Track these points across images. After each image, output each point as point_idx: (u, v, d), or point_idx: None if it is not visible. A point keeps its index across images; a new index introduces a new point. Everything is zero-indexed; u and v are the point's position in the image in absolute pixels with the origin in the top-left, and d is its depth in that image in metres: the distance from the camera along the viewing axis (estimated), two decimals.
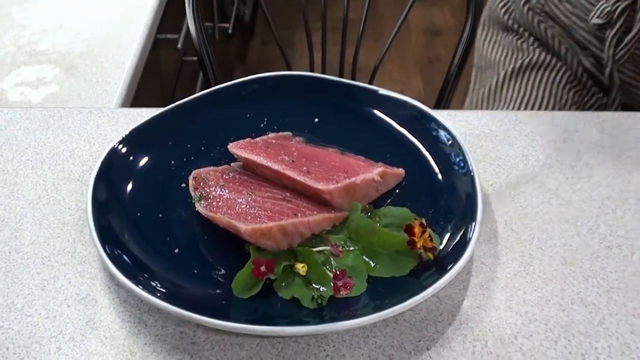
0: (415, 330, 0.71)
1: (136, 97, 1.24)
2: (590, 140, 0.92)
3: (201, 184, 0.80)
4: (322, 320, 0.68)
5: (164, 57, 1.55)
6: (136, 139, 0.85)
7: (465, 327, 0.71)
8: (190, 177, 0.81)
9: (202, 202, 0.77)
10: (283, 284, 0.72)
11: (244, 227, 0.72)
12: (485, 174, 0.87)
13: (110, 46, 1.25)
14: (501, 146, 0.91)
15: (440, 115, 0.88)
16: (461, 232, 0.75)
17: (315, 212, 0.77)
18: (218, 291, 0.72)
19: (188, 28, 1.21)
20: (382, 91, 0.92)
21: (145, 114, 0.91)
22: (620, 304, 0.73)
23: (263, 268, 0.71)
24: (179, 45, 1.57)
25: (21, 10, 1.38)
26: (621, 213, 0.82)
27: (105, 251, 0.72)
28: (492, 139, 0.92)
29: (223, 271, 0.74)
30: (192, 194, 0.78)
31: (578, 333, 0.70)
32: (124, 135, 0.84)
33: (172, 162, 0.85)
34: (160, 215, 0.80)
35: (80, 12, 1.37)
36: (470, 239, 0.73)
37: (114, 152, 0.83)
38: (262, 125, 0.90)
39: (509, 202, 0.84)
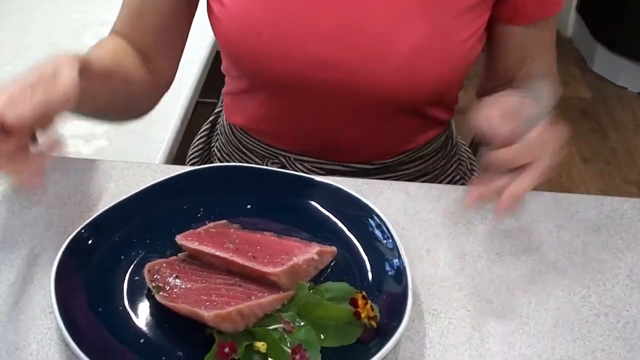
0: None
1: (177, 156, 1.34)
2: (588, 220, 1.04)
3: (155, 276, 0.86)
4: None
5: (203, 120, 1.60)
6: (85, 237, 0.91)
7: None
8: (145, 271, 0.87)
9: (160, 292, 0.84)
10: None
11: (206, 314, 0.79)
12: (492, 244, 0.99)
13: (157, 108, 1.29)
14: (508, 220, 1.02)
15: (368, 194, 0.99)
16: (396, 299, 0.85)
17: (266, 294, 0.84)
18: None
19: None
20: (308, 178, 1.02)
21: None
22: None
23: (227, 349, 0.78)
24: (215, 110, 1.62)
25: None
26: (610, 286, 0.94)
27: (78, 346, 0.77)
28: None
29: (189, 355, 0.80)
30: (150, 286, 0.85)
31: None
32: (69, 241, 0.89)
33: (122, 256, 0.91)
34: (121, 308, 0.85)
35: None
36: (405, 306, 0.83)
37: (67, 253, 0.88)
38: (199, 215, 0.97)
39: (512, 269, 0.95)
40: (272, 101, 1.17)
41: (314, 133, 1.18)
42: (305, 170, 1.21)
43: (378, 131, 1.16)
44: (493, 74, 1.20)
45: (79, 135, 1.33)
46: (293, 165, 1.21)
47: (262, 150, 1.23)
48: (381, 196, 1.06)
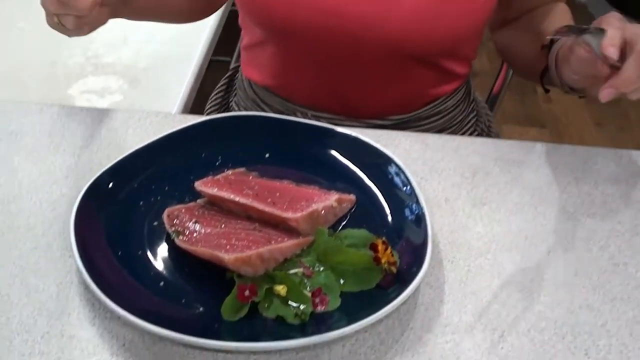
0: (441, 318, 0.82)
1: (191, 113, 1.34)
2: (607, 172, 1.04)
3: (174, 220, 0.86)
4: (305, 334, 0.76)
5: (216, 78, 1.60)
6: (105, 182, 0.91)
7: (486, 319, 0.82)
8: (165, 215, 0.87)
9: (180, 237, 0.84)
10: (266, 305, 0.79)
11: (227, 257, 0.79)
12: (511, 195, 0.98)
13: (170, 63, 1.34)
14: (527, 172, 1.02)
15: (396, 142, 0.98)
16: (416, 246, 0.85)
17: (285, 239, 0.84)
18: (209, 316, 0.79)
19: (239, 52, 1.28)
20: (326, 127, 1.01)
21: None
22: (622, 311, 0.85)
23: (247, 292, 0.79)
24: (231, 67, 1.62)
25: None
26: (629, 237, 0.94)
27: (99, 287, 0.77)
28: (519, 165, 1.03)
29: (208, 298, 0.81)
30: (170, 231, 0.85)
31: (583, 332, 0.82)
32: (88, 185, 0.89)
33: (141, 202, 0.91)
34: (140, 252, 0.85)
35: (143, 29, 1.47)
36: (425, 252, 0.83)
37: (87, 198, 0.88)
38: (217, 163, 0.97)
39: (530, 219, 0.95)
40: (285, 53, 1.16)
41: (328, 86, 1.17)
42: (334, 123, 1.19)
43: (394, 83, 1.15)
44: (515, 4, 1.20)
45: (93, 90, 1.33)
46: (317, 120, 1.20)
47: (279, 105, 1.23)
48: (399, 147, 1.05)
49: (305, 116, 1.20)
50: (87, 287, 0.82)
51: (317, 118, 1.19)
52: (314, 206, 0.87)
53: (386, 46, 1.07)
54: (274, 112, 1.23)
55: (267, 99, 1.24)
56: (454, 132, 1.28)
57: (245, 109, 1.28)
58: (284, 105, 1.22)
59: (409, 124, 1.22)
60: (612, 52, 0.84)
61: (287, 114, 1.20)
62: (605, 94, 0.86)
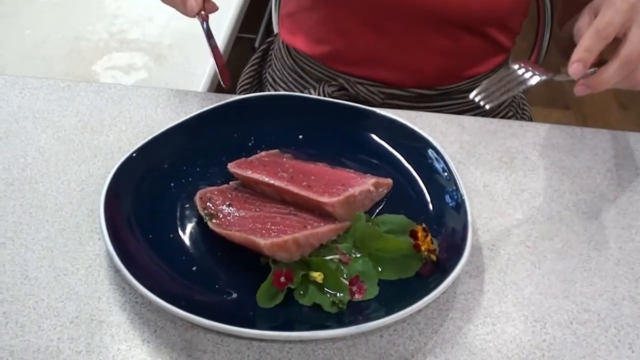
0: (481, 308, 0.80)
1: (217, 91, 1.31)
2: None
3: (207, 203, 0.84)
4: (342, 324, 0.74)
5: (242, 55, 1.60)
6: (134, 162, 0.88)
7: (527, 309, 0.80)
8: (197, 198, 0.85)
9: (213, 220, 0.81)
10: (301, 292, 0.77)
11: (263, 242, 0.76)
12: (551, 181, 0.96)
13: (196, 40, 1.33)
14: (567, 157, 1.00)
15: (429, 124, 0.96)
16: (456, 234, 0.82)
17: (321, 224, 0.82)
18: (243, 303, 0.76)
19: (265, 29, 1.26)
20: (362, 108, 0.98)
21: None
22: None
23: (283, 279, 0.76)
24: (256, 45, 1.61)
25: (113, 1, 1.48)
26: None
27: (129, 271, 0.75)
28: (558, 150, 1.00)
29: (242, 284, 0.78)
30: (202, 214, 0.82)
31: (627, 325, 0.79)
32: (119, 165, 0.87)
33: (172, 184, 0.89)
34: (172, 235, 0.83)
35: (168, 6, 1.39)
36: (465, 239, 0.80)
37: (117, 178, 0.85)
38: (249, 144, 0.95)
39: (571, 206, 0.92)
40: (335, 17, 1.14)
41: (376, 51, 1.15)
42: (364, 92, 1.18)
43: (442, 51, 1.13)
44: None
45: (118, 67, 1.31)
46: (353, 87, 1.18)
47: (320, 72, 1.21)
48: (436, 129, 1.03)
49: (348, 82, 1.18)
50: (117, 271, 0.80)
51: (361, 84, 1.17)
52: (351, 190, 0.84)
53: (438, 10, 1.06)
54: (314, 79, 1.21)
55: (308, 67, 1.22)
56: (491, 110, 1.25)
57: (282, 81, 1.26)
58: (327, 72, 1.20)
59: (452, 95, 1.20)
60: (574, 71, 0.82)
61: (328, 81, 1.18)
62: (579, 90, 0.85)
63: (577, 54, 0.82)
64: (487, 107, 0.84)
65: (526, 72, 0.86)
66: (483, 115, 1.20)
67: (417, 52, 1.13)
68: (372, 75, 1.17)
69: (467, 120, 1.04)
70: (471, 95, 0.85)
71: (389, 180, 0.90)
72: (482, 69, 1.19)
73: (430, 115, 1.05)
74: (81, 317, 0.77)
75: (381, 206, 0.89)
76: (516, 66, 0.87)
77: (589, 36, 0.82)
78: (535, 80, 0.85)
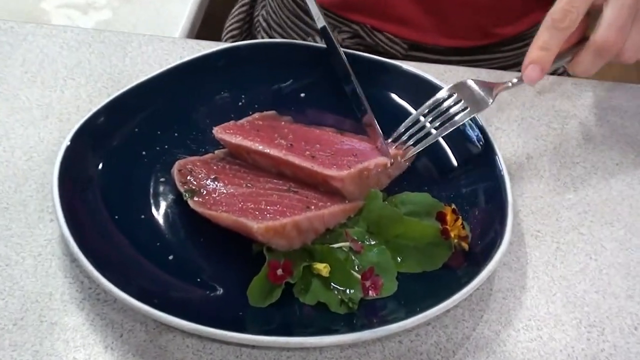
0: (523, 308, 0.80)
1: (198, 37, 1.29)
2: None
3: (188, 177, 0.83)
4: (353, 327, 0.74)
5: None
6: (97, 126, 0.87)
7: (581, 312, 0.80)
8: (174, 170, 0.84)
9: (195, 197, 0.81)
10: (303, 288, 0.77)
11: (256, 225, 0.76)
12: (611, 152, 0.96)
13: None
14: (631, 123, 0.99)
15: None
16: (493, 217, 0.82)
17: (328, 204, 0.82)
18: (231, 300, 0.77)
19: None
20: (379, 60, 0.98)
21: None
22: None
23: (280, 271, 0.76)
24: None
25: None
26: None
27: (90, 261, 0.75)
28: (621, 114, 1.00)
29: (230, 277, 0.79)
30: (181, 190, 0.82)
31: None
32: (78, 128, 0.86)
33: (143, 152, 0.88)
34: (143, 216, 0.83)
35: None
36: (504, 224, 0.80)
37: (74, 145, 0.85)
38: (239, 104, 0.95)
39: (636, 184, 0.93)
40: None
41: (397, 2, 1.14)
42: (383, 42, 1.18)
43: (475, 4, 1.14)
44: None
45: (74, 5, 1.30)
46: (370, 35, 1.18)
47: (328, 16, 1.20)
48: None
49: (363, 29, 1.18)
50: (73, 260, 0.80)
51: (379, 31, 1.17)
52: (365, 162, 0.84)
53: None
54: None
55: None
56: None
57: (279, 24, 1.25)
58: (336, 18, 1.20)
59: (489, 49, 1.21)
60: (530, 77, 0.84)
61: (338, 27, 1.18)
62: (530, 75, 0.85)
63: (531, 53, 0.82)
64: None
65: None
66: None
67: (447, 5, 1.13)
68: (391, 21, 1.16)
69: (508, 76, 1.03)
70: None
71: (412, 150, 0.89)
72: (523, 26, 1.20)
73: (463, 70, 1.05)
74: (27, 319, 0.77)
75: (402, 184, 0.89)
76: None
77: (544, 29, 0.81)
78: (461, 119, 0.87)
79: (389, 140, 0.88)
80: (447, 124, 0.85)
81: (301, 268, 0.77)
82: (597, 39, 0.81)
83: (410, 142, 0.87)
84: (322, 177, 0.83)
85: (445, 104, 0.87)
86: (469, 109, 0.86)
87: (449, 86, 0.88)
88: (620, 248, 0.86)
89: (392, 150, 0.87)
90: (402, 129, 0.88)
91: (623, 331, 0.79)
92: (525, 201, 0.90)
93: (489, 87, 0.86)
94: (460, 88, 0.88)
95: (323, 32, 0.95)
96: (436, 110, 0.87)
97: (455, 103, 0.86)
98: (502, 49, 1.19)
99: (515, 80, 0.87)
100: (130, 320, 0.77)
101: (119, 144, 0.88)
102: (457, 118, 0.85)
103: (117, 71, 1.00)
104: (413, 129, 0.88)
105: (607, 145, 0.97)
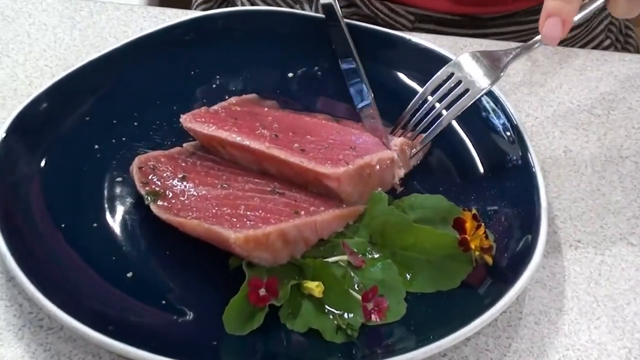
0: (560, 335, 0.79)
1: (165, 2, 1.29)
2: None
3: (150, 176, 0.83)
4: (353, 359, 0.73)
5: None
6: (39, 113, 0.87)
7: (630, 339, 0.79)
8: (134, 167, 0.84)
9: (159, 202, 0.80)
10: (291, 312, 0.76)
11: (233, 235, 0.75)
12: None
13: None
14: None
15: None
16: (523, 223, 0.81)
17: (321, 209, 0.81)
18: (203, 327, 0.76)
19: None
20: (382, 31, 0.98)
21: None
22: None
23: (263, 291, 0.75)
24: None
25: None
26: None
27: (30, 279, 0.74)
28: None
29: (203, 297, 0.78)
30: (142, 192, 0.81)
31: None
32: (15, 116, 0.85)
33: (95, 146, 0.88)
34: (95, 225, 0.82)
35: None
36: (537, 232, 0.79)
37: (11, 137, 0.84)
38: (213, 85, 0.95)
39: None
40: None
41: None
42: (383, 14, 1.17)
43: None
44: None
45: None
46: (366, 5, 1.17)
47: None
48: None
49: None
50: (10, 279, 0.79)
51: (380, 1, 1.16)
52: (366, 158, 0.83)
53: None
54: None
55: None
56: (574, 39, 1.25)
57: None
58: None
59: (514, 18, 1.20)
60: (550, 33, 0.80)
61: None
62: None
63: (548, 3, 0.80)
64: None
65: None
66: (565, 44, 1.19)
67: None
68: None
69: (541, 51, 1.03)
70: None
71: (423, 141, 0.89)
72: None
73: (485, 43, 1.04)
74: None
75: (412, 182, 0.88)
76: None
77: None
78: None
79: (394, 131, 0.88)
80: (457, 104, 0.85)
81: (289, 287, 0.76)
82: None
83: (419, 129, 0.87)
84: (314, 175, 0.82)
85: (447, 85, 0.87)
86: (473, 87, 0.85)
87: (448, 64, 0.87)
88: None
89: (397, 141, 0.87)
90: (407, 114, 0.88)
91: None
92: (563, 204, 0.89)
93: (495, 58, 0.85)
94: (460, 64, 0.87)
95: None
96: (442, 90, 0.87)
97: (459, 82, 0.86)
98: (520, 20, 1.18)
99: (530, 43, 0.85)
100: (80, 352, 0.76)
101: (66, 136, 0.88)
102: (465, 97, 0.85)
103: (63, 46, 1.00)
104: (420, 112, 0.87)
105: None
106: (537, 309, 0.81)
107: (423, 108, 0.87)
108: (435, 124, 0.85)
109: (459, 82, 0.85)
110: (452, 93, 0.85)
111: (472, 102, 0.84)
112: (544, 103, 0.97)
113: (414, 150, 0.87)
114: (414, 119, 0.87)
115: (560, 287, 0.83)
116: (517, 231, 0.81)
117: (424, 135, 0.86)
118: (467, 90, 0.84)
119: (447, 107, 0.85)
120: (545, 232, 0.79)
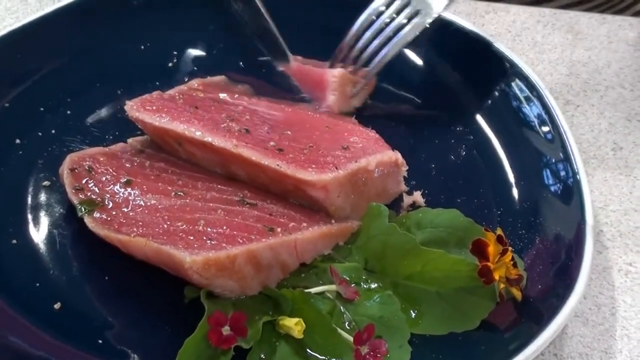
0: None
1: None
2: None
3: (85, 180, 0.80)
4: None
5: None
6: None
7: None
8: (65, 168, 0.82)
9: (95, 213, 0.78)
10: (263, 357, 0.74)
11: (189, 257, 0.73)
12: None
13: None
14: None
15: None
16: (561, 245, 0.79)
17: (303, 225, 0.79)
18: None
19: None
20: None
21: None
22: None
23: (227, 330, 0.73)
24: None
25: None
26: None
27: None
28: None
29: (152, 338, 0.76)
30: (74, 200, 0.79)
31: None
32: None
33: (17, 140, 0.86)
34: (15, 241, 0.80)
35: None
36: (581, 256, 0.76)
37: None
38: (169, 64, 0.93)
39: None
40: None
41: None
42: None
43: None
44: None
45: None
46: None
47: None
48: (526, 37, 1.02)
49: None
50: None
51: None
52: (361, 160, 0.81)
53: None
54: None
55: None
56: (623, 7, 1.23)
57: None
58: None
59: None
60: None
61: None
62: None
63: None
64: None
65: None
66: (614, 11, 1.17)
67: None
68: None
69: (585, 20, 1.01)
70: None
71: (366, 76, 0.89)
72: None
73: (514, 9, 1.02)
74: None
75: (417, 191, 0.86)
76: None
77: None
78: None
79: (333, 64, 0.89)
80: (406, 29, 0.87)
81: (260, 325, 0.74)
82: None
83: (361, 62, 0.88)
84: (294, 182, 0.80)
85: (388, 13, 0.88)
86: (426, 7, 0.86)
87: None
88: None
89: (335, 71, 0.88)
90: (346, 44, 0.89)
91: None
92: (611, 217, 0.87)
93: None
94: None
95: None
96: (386, 15, 0.89)
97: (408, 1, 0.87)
98: None
99: None
100: None
101: None
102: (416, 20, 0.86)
103: None
104: (362, 41, 0.89)
105: None
106: (577, 350, 0.79)
107: (364, 36, 0.88)
108: (380, 55, 0.86)
109: (408, 2, 0.86)
110: (399, 18, 0.86)
111: (423, 27, 0.85)
112: (588, 87, 0.95)
113: (355, 88, 0.87)
114: (354, 50, 0.88)
115: (607, 324, 0.81)
116: (554, 256, 0.79)
117: (366, 69, 0.86)
118: (418, 12, 0.85)
119: (395, 34, 0.86)
120: (590, 256, 0.76)
